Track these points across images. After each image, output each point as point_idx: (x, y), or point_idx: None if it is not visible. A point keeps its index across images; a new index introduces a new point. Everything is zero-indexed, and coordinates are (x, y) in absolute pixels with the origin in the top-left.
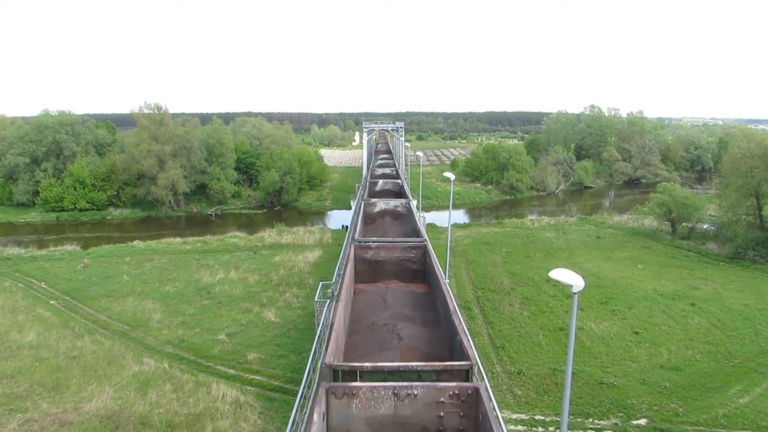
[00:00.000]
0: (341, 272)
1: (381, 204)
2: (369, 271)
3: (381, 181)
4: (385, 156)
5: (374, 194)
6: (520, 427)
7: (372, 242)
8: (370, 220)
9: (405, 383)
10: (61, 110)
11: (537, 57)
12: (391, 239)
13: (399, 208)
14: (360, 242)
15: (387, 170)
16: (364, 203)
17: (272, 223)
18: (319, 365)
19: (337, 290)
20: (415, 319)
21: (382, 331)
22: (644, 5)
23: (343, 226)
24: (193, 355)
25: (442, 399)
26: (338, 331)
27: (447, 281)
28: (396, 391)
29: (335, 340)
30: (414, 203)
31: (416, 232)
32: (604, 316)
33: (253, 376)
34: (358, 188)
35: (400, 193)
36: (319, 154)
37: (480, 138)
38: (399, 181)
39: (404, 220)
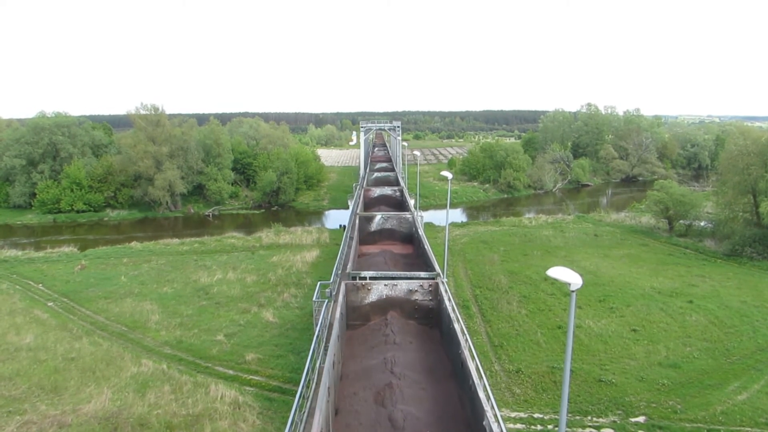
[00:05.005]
0: None
1: (378, 288)
2: None
3: (379, 217)
4: (384, 165)
5: (368, 236)
6: (519, 426)
7: None
8: (354, 316)
9: None
10: (58, 112)
11: (534, 56)
12: None
13: (417, 295)
14: None
15: (387, 191)
16: (347, 287)
17: (270, 223)
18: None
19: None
20: None
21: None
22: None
23: (340, 225)
24: (192, 355)
25: None
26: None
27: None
28: None
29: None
30: (448, 294)
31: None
32: (602, 314)
33: (251, 377)
34: (355, 188)
35: (409, 237)
36: (317, 154)
37: (477, 137)
38: (408, 215)
39: (426, 336)
